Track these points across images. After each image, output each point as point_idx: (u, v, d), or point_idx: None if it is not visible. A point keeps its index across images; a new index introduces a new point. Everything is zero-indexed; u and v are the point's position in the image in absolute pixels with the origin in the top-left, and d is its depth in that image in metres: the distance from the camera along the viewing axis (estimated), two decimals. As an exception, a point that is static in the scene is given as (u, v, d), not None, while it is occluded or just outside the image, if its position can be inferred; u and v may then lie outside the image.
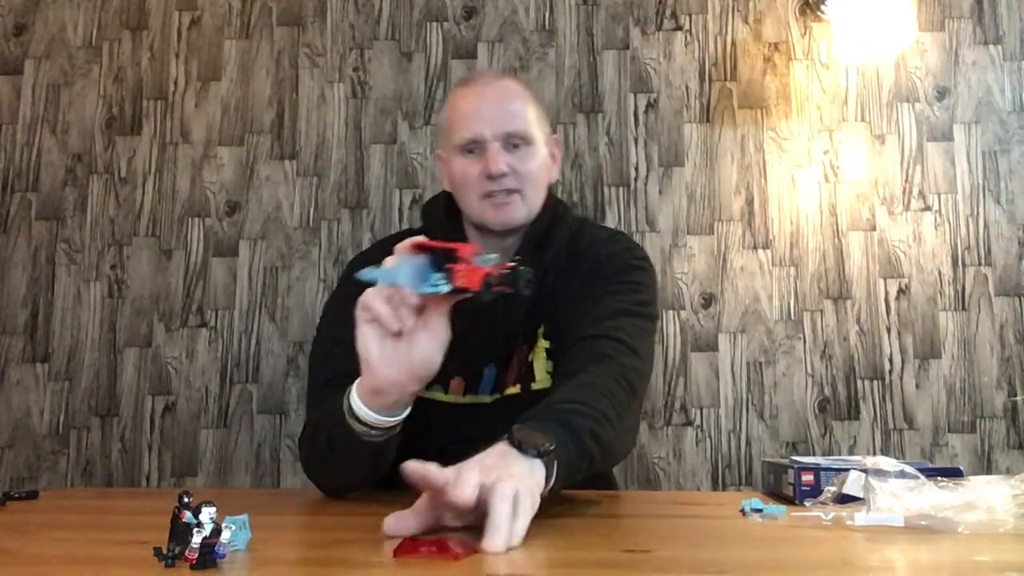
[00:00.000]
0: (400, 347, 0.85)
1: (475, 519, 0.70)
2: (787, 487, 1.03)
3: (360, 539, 0.79)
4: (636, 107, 1.90)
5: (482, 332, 1.11)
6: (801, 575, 0.63)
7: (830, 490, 0.92)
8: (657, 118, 1.89)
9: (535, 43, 1.92)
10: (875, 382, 1.78)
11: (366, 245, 1.81)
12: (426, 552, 0.63)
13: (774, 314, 1.81)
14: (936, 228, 1.83)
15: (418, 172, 1.88)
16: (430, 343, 0.85)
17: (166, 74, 1.95)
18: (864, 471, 0.90)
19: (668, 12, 1.93)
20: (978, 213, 1.83)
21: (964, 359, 1.78)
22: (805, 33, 1.91)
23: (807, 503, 0.94)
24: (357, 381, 0.90)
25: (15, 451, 1.82)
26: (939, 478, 0.85)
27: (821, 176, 1.86)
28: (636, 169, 1.88)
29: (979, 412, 1.76)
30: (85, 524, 0.94)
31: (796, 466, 1.01)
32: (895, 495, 0.80)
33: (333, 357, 1.08)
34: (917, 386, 1.78)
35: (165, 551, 0.60)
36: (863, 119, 1.87)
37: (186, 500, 0.60)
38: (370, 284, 0.85)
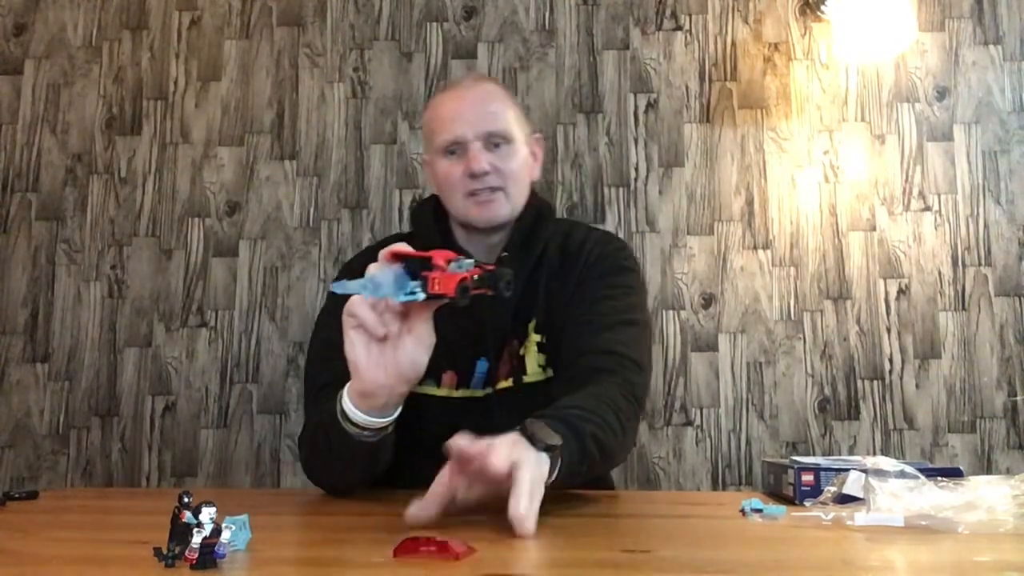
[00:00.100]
0: (386, 351, 0.87)
1: (489, 493, 0.76)
2: (787, 487, 1.03)
3: (360, 539, 0.79)
4: (636, 107, 1.90)
5: (472, 328, 1.15)
6: (801, 575, 0.63)
7: (830, 490, 0.92)
8: (657, 118, 1.89)
9: (535, 43, 1.92)
10: (875, 382, 1.78)
11: (366, 245, 1.81)
12: (426, 552, 0.63)
13: (774, 314, 1.81)
14: (936, 228, 1.83)
15: (418, 172, 1.88)
16: (415, 346, 0.88)
17: (166, 74, 1.95)
18: (864, 471, 0.90)
19: (668, 12, 1.93)
20: (978, 213, 1.83)
21: (964, 359, 1.78)
22: (805, 33, 1.91)
23: (807, 503, 0.94)
24: (347, 385, 0.92)
25: (15, 451, 1.83)
26: (939, 478, 0.85)
27: (821, 176, 1.86)
28: (636, 169, 1.88)
29: (979, 412, 1.76)
30: (85, 524, 0.94)
31: (796, 466, 1.01)
32: (895, 495, 0.80)
33: (329, 360, 1.10)
34: (917, 386, 1.78)
35: (165, 551, 0.60)
36: (863, 119, 1.87)
37: (186, 500, 0.60)
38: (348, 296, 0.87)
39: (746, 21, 1.92)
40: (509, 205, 1.19)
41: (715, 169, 1.87)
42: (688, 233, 1.85)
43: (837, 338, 1.80)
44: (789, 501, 1.00)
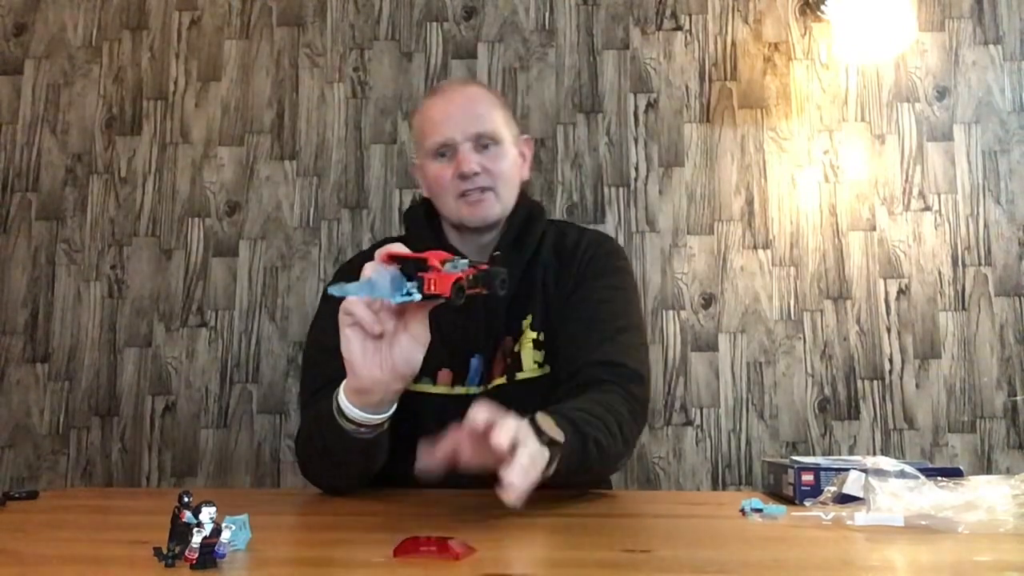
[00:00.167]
0: (382, 348, 0.89)
1: (489, 466, 0.79)
2: (787, 487, 1.03)
3: (360, 539, 0.79)
4: (636, 107, 1.90)
5: (466, 325, 1.17)
6: (801, 575, 0.64)
7: (830, 490, 0.92)
8: (657, 118, 1.89)
9: (535, 43, 1.92)
10: (875, 382, 1.78)
11: (366, 245, 1.81)
12: (426, 552, 0.63)
13: (774, 314, 1.81)
14: (936, 228, 1.83)
15: (418, 172, 1.88)
16: (411, 344, 0.89)
17: (166, 74, 1.95)
18: (864, 471, 0.90)
19: (668, 12, 1.93)
20: (978, 213, 1.83)
21: (964, 359, 1.78)
22: (805, 33, 1.91)
23: (807, 503, 0.94)
24: (344, 382, 0.94)
25: (15, 451, 1.83)
26: (939, 478, 0.85)
27: (821, 176, 1.86)
28: (636, 169, 1.88)
29: (979, 412, 1.76)
30: (85, 524, 0.94)
31: (796, 466, 1.01)
32: (895, 495, 0.80)
33: (323, 364, 1.13)
34: (917, 386, 1.78)
35: (165, 551, 0.60)
36: (863, 119, 1.87)
37: (186, 500, 0.60)
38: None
39: (746, 21, 1.92)
40: (500, 205, 1.21)
41: (715, 169, 1.87)
42: (688, 233, 1.85)
43: (837, 338, 1.80)
44: (789, 501, 1.00)
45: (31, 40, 1.97)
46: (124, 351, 1.85)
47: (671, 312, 1.82)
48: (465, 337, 1.18)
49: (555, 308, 1.20)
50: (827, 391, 1.78)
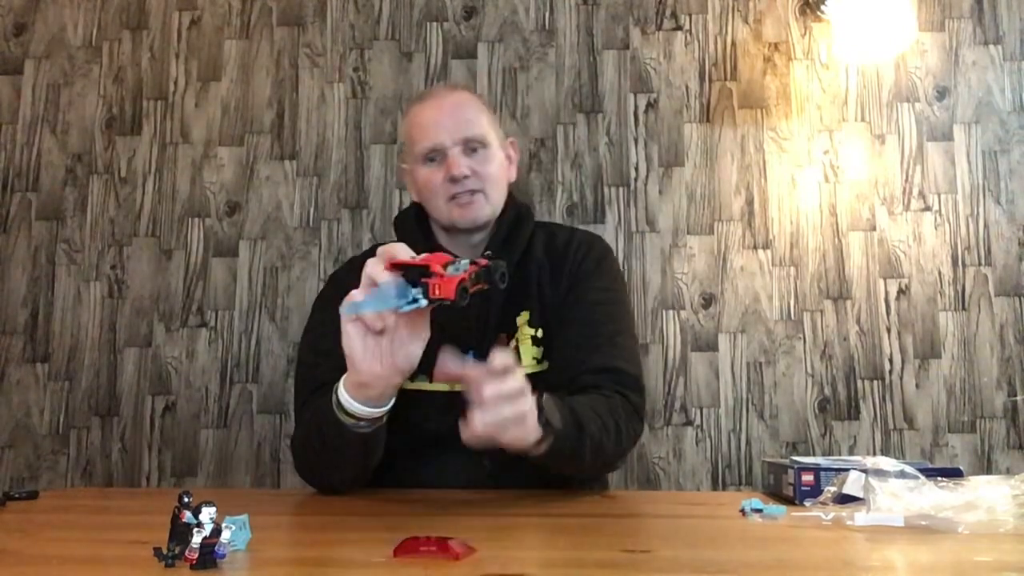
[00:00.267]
0: (383, 343, 0.91)
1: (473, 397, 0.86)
2: (787, 487, 1.04)
3: (360, 539, 0.79)
4: (636, 107, 1.90)
5: (459, 322, 1.18)
6: (801, 575, 0.64)
7: (830, 490, 0.92)
8: (657, 118, 1.89)
9: (535, 43, 1.92)
10: (875, 382, 1.78)
11: (366, 245, 1.81)
12: (426, 552, 0.63)
13: (774, 314, 1.81)
14: (936, 228, 1.83)
15: (418, 172, 1.88)
16: (411, 339, 0.92)
17: (166, 74, 1.95)
18: (864, 471, 0.90)
19: (668, 12, 1.93)
20: (978, 213, 1.83)
21: (964, 359, 1.78)
22: (805, 33, 1.91)
23: (807, 503, 0.94)
24: (344, 377, 0.96)
25: (15, 451, 1.82)
26: (939, 478, 0.85)
27: (821, 176, 1.86)
28: (636, 169, 1.88)
29: (979, 412, 1.76)
30: (85, 524, 0.94)
31: (796, 466, 1.01)
32: (895, 495, 0.80)
33: (317, 367, 1.14)
34: (917, 386, 1.78)
35: (165, 551, 0.60)
36: (863, 119, 1.87)
37: (186, 500, 0.60)
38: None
39: (746, 21, 1.92)
40: (489, 206, 1.25)
41: (715, 169, 1.87)
42: (688, 233, 1.85)
43: (837, 338, 1.80)
44: (789, 501, 1.00)
45: (31, 40, 1.97)
46: (124, 351, 1.85)
47: (671, 312, 1.82)
48: (461, 334, 1.18)
49: (552, 306, 1.23)
50: (827, 391, 1.78)
